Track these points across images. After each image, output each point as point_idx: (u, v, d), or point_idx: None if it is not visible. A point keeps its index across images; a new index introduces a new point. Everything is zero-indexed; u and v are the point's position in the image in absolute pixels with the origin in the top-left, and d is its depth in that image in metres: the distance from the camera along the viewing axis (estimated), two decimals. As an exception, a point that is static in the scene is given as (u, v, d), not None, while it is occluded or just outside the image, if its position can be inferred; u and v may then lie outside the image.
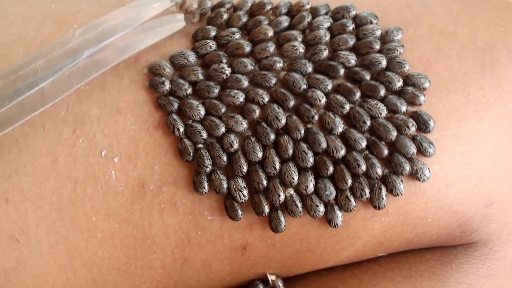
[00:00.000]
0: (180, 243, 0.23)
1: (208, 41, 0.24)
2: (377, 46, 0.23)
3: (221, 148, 0.22)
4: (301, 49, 0.23)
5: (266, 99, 0.22)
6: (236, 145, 0.22)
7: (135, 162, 0.22)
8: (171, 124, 0.22)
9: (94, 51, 0.22)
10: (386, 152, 0.22)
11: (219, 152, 0.22)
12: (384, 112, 0.22)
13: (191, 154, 0.22)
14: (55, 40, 0.24)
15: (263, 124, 0.22)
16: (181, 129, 0.22)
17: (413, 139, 0.22)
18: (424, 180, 0.22)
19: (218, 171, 0.22)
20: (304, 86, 0.22)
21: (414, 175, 0.22)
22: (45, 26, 0.25)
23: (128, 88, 0.23)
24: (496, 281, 0.24)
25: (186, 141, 0.22)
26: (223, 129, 0.22)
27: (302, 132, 0.22)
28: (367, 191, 0.22)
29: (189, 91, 0.22)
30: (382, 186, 0.22)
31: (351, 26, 0.24)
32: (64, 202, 0.22)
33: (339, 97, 0.22)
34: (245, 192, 0.22)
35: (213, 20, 0.25)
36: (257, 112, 0.22)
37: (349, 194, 0.22)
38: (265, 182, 0.22)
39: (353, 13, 0.24)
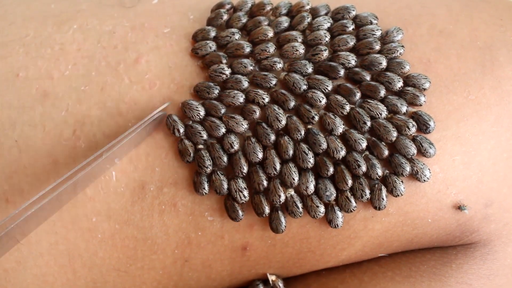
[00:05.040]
0: (181, 243, 0.23)
1: (208, 41, 0.24)
2: (377, 47, 0.23)
3: (222, 149, 0.22)
4: (301, 49, 0.23)
5: (267, 99, 0.22)
6: (236, 146, 0.22)
7: (136, 164, 0.22)
8: (171, 125, 0.22)
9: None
10: (386, 152, 0.22)
11: (219, 152, 0.22)
12: (384, 112, 0.22)
13: (192, 155, 0.22)
14: (54, 40, 0.24)
15: (264, 124, 0.22)
16: (181, 130, 0.22)
17: (414, 139, 0.22)
18: (424, 180, 0.22)
19: (218, 172, 0.22)
20: (304, 87, 0.22)
21: (415, 176, 0.22)
22: (45, 27, 0.25)
23: (129, 89, 0.23)
24: (496, 281, 0.24)
25: (186, 142, 0.22)
26: (223, 130, 0.22)
27: (303, 132, 0.22)
28: (367, 191, 0.22)
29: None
30: (383, 187, 0.22)
31: (351, 27, 0.24)
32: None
33: (339, 97, 0.22)
34: (246, 192, 0.22)
35: (213, 21, 0.25)
36: (257, 113, 0.22)
37: (349, 194, 0.22)
38: (265, 183, 0.22)
39: (353, 13, 0.24)
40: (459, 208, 0.23)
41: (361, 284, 0.24)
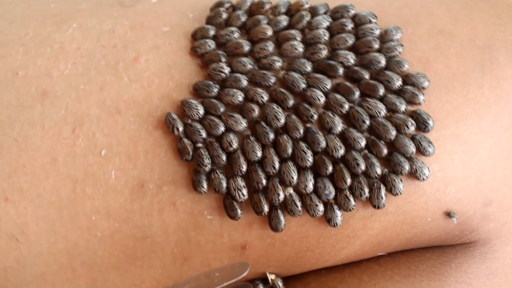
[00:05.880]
0: (180, 242, 0.23)
1: (207, 40, 0.24)
2: (376, 46, 0.23)
3: (220, 148, 0.22)
4: (300, 48, 0.23)
5: (266, 98, 0.22)
6: (235, 145, 0.22)
7: (135, 162, 0.22)
8: (171, 123, 0.22)
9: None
10: (385, 151, 0.22)
11: (218, 151, 0.22)
12: (383, 111, 0.22)
13: (190, 153, 0.22)
14: (54, 39, 0.24)
15: (263, 123, 0.22)
16: (181, 129, 0.22)
17: (413, 138, 0.22)
18: (423, 179, 0.22)
19: (217, 171, 0.22)
20: (303, 86, 0.22)
21: (414, 175, 0.22)
22: (44, 26, 0.25)
23: (128, 87, 0.23)
24: (495, 280, 0.24)
25: (185, 140, 0.22)
26: (222, 128, 0.22)
27: (302, 131, 0.22)
28: (366, 190, 0.22)
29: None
30: (382, 186, 0.22)
31: (350, 26, 0.24)
32: (63, 201, 0.22)
33: (339, 96, 0.22)
34: (245, 191, 0.22)
35: (212, 20, 0.25)
36: (256, 111, 0.22)
37: (348, 193, 0.22)
38: (264, 182, 0.22)
39: (352, 12, 0.24)
40: (449, 215, 0.23)
41: (360, 283, 0.24)
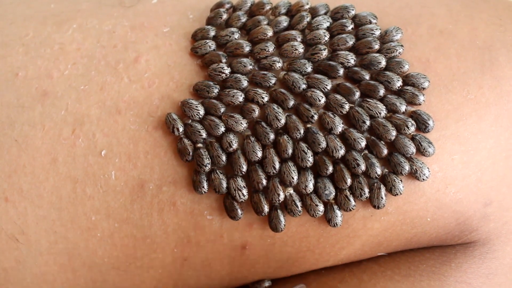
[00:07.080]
0: (180, 242, 0.23)
1: (207, 41, 0.24)
2: (377, 46, 0.23)
3: (220, 148, 0.22)
4: (300, 49, 0.23)
5: (266, 98, 0.22)
6: (235, 145, 0.22)
7: (135, 162, 0.22)
8: (171, 123, 0.22)
9: None
10: (385, 151, 0.22)
11: (218, 151, 0.22)
12: (383, 111, 0.22)
13: (191, 153, 0.22)
14: (54, 39, 0.24)
15: (263, 123, 0.22)
16: (181, 129, 0.22)
17: (413, 138, 0.22)
18: (423, 179, 0.22)
19: (217, 171, 0.22)
20: (304, 86, 0.22)
21: (413, 175, 0.22)
22: (45, 26, 0.25)
23: (128, 88, 0.23)
24: (495, 280, 0.24)
25: (185, 140, 0.22)
26: (222, 129, 0.22)
27: (302, 131, 0.22)
28: (366, 190, 0.22)
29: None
30: (382, 186, 0.22)
31: (350, 26, 0.24)
32: (63, 201, 0.22)
33: (339, 97, 0.22)
34: (245, 191, 0.22)
35: (213, 20, 0.25)
36: (256, 112, 0.22)
37: (348, 193, 0.22)
38: (264, 182, 0.22)
39: (352, 13, 0.24)
40: None
41: (361, 283, 0.24)
